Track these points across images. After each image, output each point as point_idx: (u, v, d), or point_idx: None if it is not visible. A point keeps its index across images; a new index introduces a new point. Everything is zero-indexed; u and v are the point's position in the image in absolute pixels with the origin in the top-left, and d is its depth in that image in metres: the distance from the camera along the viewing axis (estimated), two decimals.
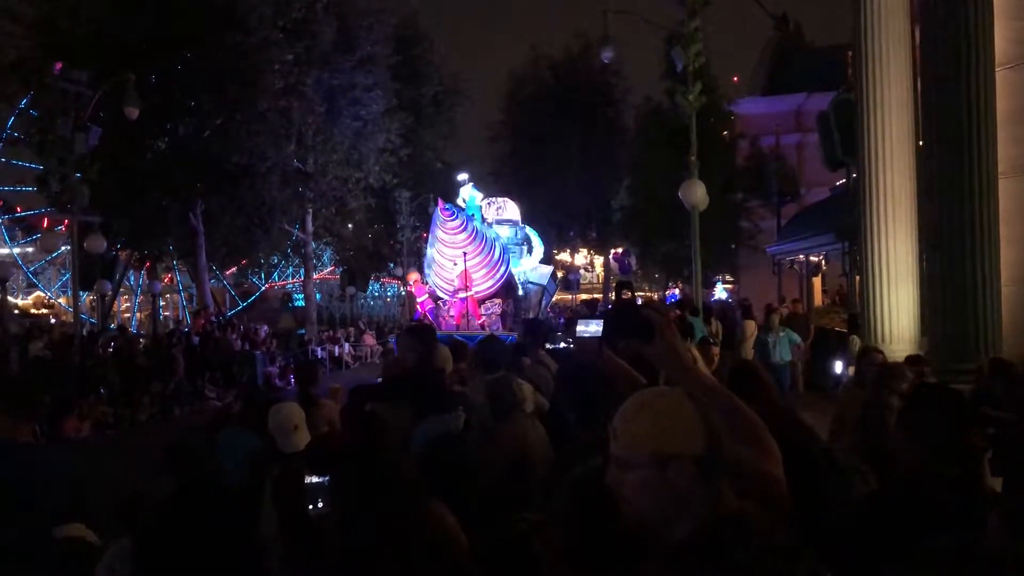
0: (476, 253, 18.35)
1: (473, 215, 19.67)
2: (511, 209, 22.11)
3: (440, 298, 19.31)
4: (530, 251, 22.04)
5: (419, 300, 19.65)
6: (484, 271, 18.79)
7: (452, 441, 3.58)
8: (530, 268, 21.57)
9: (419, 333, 5.12)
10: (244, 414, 5.54)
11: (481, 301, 18.88)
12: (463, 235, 18.41)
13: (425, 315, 19.15)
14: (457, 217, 18.47)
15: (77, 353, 17.29)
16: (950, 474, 2.65)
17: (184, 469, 4.27)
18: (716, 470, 1.72)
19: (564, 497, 2.08)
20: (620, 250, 25.68)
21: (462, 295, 18.17)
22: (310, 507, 2.89)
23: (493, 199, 22.17)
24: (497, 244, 19.55)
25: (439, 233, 18.85)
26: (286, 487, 3.50)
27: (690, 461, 1.71)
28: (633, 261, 20.48)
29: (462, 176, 21.25)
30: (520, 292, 20.23)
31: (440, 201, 18.96)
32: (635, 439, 1.75)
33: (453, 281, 18.65)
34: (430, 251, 19.70)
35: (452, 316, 18.58)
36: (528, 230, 22.58)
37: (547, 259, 40.51)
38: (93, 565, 2.65)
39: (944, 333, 6.97)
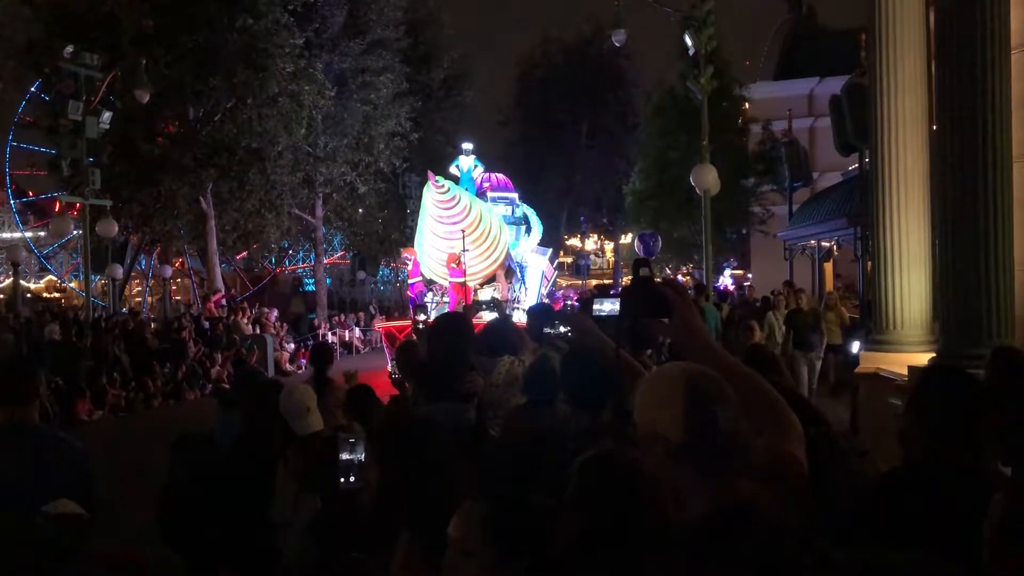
0: (472, 231, 17.60)
1: (466, 189, 19.04)
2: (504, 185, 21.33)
3: (433, 282, 18.64)
4: (528, 231, 21.25)
5: (411, 282, 18.85)
6: (481, 251, 18.13)
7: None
8: (528, 249, 20.82)
9: (440, 328, 5.05)
10: (237, 397, 5.58)
11: (479, 286, 18.36)
12: (457, 209, 17.71)
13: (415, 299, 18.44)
14: (450, 192, 17.78)
15: (88, 336, 17.39)
16: (959, 459, 2.63)
17: (187, 459, 4.35)
18: (700, 463, 1.72)
19: (575, 481, 2.08)
20: (646, 232, 24.91)
21: (457, 279, 17.48)
22: (342, 480, 2.92)
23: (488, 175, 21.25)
24: (495, 222, 18.84)
25: (432, 210, 18.21)
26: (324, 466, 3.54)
27: (668, 445, 1.74)
28: (659, 244, 19.86)
29: (467, 145, 20.46)
30: (517, 275, 19.51)
31: (431, 174, 18.23)
32: (637, 414, 1.79)
33: (446, 264, 17.92)
34: (421, 228, 19.07)
35: (447, 302, 17.78)
36: (526, 208, 21.70)
37: (557, 244, 40.36)
38: (83, 540, 2.66)
39: (956, 318, 6.94)
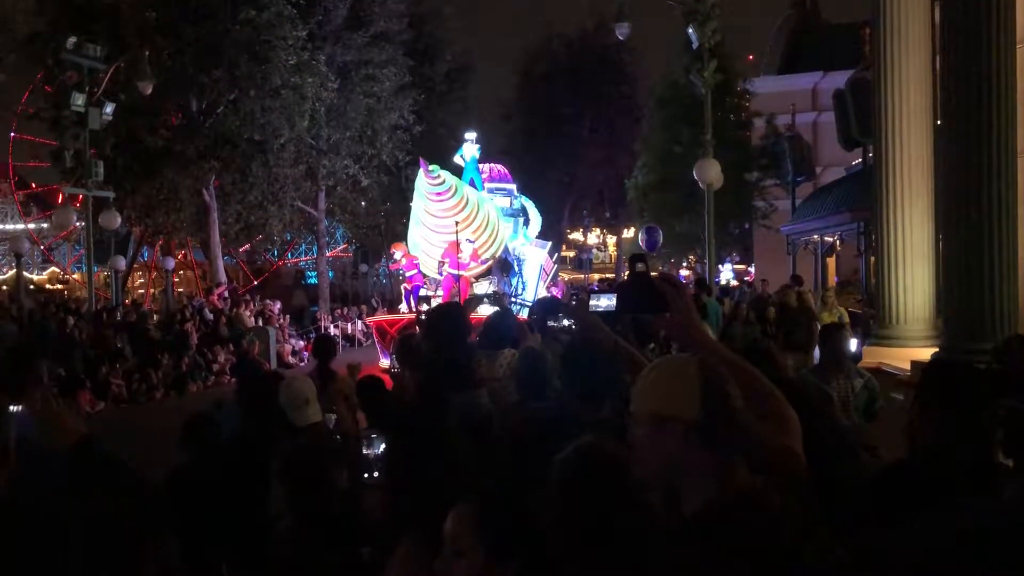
0: (467, 223, 17.20)
1: (472, 179, 18.56)
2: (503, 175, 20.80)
3: (427, 275, 18.10)
4: (527, 223, 20.93)
5: (408, 275, 18.43)
6: (477, 243, 17.68)
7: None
8: (526, 242, 20.50)
9: (439, 318, 5.04)
10: (239, 390, 5.58)
11: (475, 279, 17.88)
12: (452, 201, 17.34)
13: (411, 292, 18.01)
14: (445, 183, 17.26)
15: (87, 328, 17.40)
16: (963, 451, 2.63)
17: (194, 442, 4.34)
18: (716, 441, 1.71)
19: (556, 473, 2.06)
20: (648, 225, 24.78)
21: (452, 271, 17.09)
22: (364, 475, 2.90)
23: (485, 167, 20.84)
24: (491, 213, 18.42)
25: (424, 201, 17.78)
26: (298, 461, 3.51)
27: (682, 425, 1.71)
28: (660, 237, 19.69)
29: (470, 135, 20.06)
30: (515, 268, 19.17)
31: (423, 162, 17.72)
32: (639, 396, 1.79)
33: (439, 256, 17.54)
34: (414, 219, 18.55)
35: (440, 295, 17.06)
36: (524, 200, 21.35)
37: (559, 237, 40.23)
38: None
39: (960, 313, 6.93)
